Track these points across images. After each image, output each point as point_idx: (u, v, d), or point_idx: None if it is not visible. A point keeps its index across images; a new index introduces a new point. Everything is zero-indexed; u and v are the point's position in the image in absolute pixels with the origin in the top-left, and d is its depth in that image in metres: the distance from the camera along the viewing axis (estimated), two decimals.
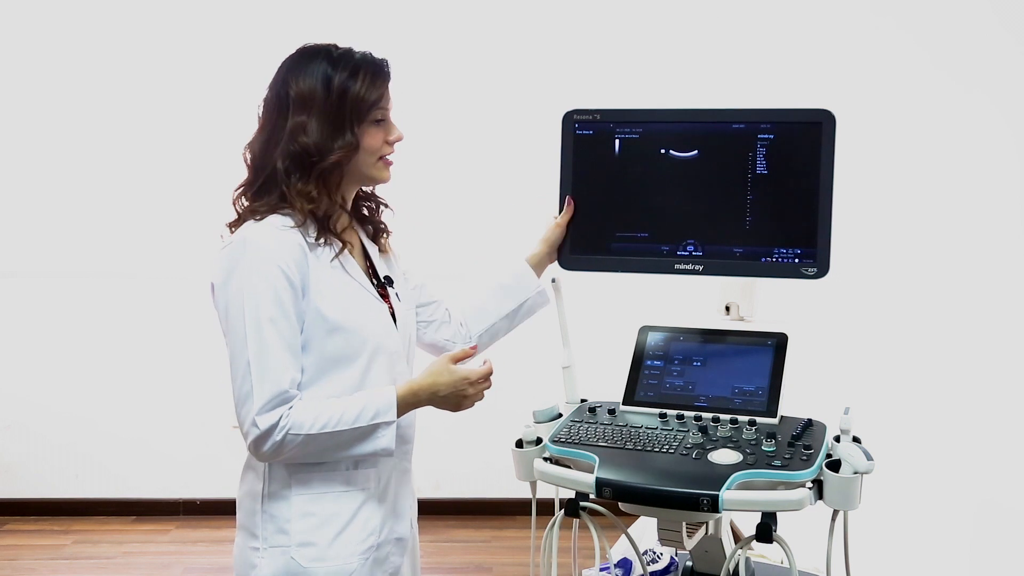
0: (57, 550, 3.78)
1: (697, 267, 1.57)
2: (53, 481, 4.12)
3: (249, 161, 1.59)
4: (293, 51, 1.60)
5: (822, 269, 1.51)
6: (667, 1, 3.87)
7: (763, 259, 1.54)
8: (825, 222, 1.50)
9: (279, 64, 1.60)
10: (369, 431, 1.51)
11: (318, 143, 1.52)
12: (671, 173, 1.58)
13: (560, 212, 1.66)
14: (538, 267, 1.78)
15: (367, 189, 1.71)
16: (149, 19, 3.95)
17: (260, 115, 1.59)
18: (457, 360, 1.59)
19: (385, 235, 1.75)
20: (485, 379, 1.59)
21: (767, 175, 1.53)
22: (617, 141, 1.61)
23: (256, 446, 1.47)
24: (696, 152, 1.57)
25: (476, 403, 1.61)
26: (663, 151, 1.58)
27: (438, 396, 1.57)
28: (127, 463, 4.13)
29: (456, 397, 1.58)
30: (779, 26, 3.19)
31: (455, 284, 2.03)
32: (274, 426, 1.45)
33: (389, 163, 1.62)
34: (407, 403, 1.56)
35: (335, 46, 1.58)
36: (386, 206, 1.75)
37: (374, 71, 1.57)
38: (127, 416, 4.11)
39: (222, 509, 3.87)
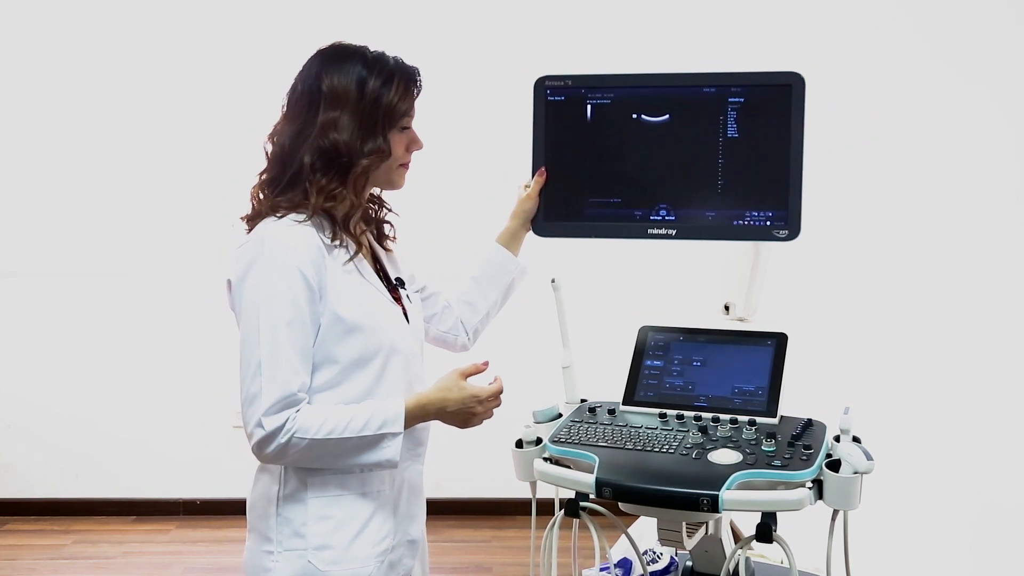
0: (57, 550, 3.78)
1: (670, 231, 1.57)
2: (53, 481, 4.12)
3: (271, 153, 1.56)
4: (325, 46, 1.57)
5: (793, 231, 1.51)
6: None
7: (735, 222, 1.54)
8: (796, 184, 1.49)
9: (308, 58, 1.57)
10: (375, 441, 1.49)
11: (348, 142, 1.51)
12: (643, 138, 1.58)
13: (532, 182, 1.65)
14: (512, 243, 1.77)
15: (375, 192, 1.70)
16: (145, 20, 3.95)
17: (285, 107, 1.56)
18: (467, 375, 1.58)
19: (389, 238, 1.74)
20: (495, 398, 1.59)
21: (738, 138, 1.53)
22: (589, 107, 1.60)
23: (260, 447, 1.45)
24: (667, 116, 1.57)
25: (484, 421, 1.60)
26: (635, 116, 1.58)
27: (446, 411, 1.56)
28: (127, 463, 4.13)
29: (464, 414, 1.57)
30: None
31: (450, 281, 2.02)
32: (280, 428, 1.43)
33: (406, 169, 1.62)
34: (415, 416, 1.55)
35: (367, 48, 1.57)
36: (390, 210, 1.74)
37: (407, 80, 1.56)
38: (127, 416, 4.11)
39: (222, 509, 3.79)
